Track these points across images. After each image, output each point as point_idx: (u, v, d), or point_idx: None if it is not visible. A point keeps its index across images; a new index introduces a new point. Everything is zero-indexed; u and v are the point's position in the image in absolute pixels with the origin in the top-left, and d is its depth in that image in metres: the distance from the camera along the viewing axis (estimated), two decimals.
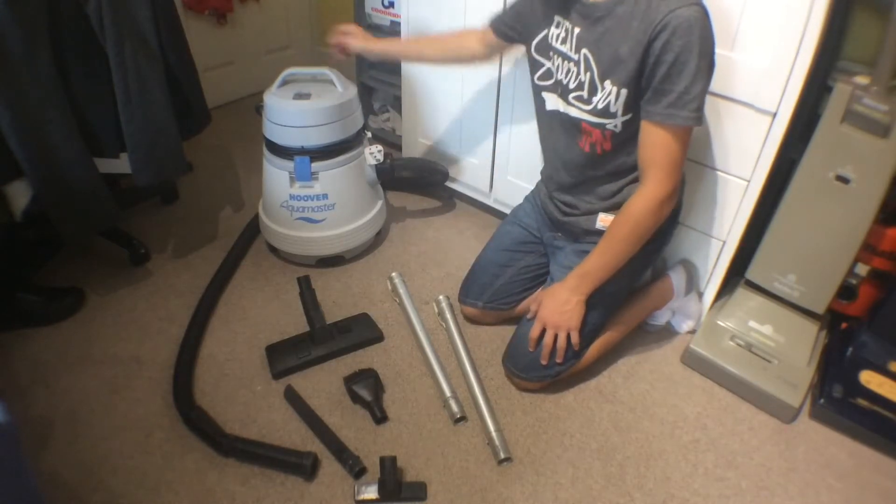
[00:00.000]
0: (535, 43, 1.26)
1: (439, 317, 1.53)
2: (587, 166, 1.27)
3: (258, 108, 1.56)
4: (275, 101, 1.49)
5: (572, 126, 1.24)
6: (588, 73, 1.15)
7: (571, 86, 1.19)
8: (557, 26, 1.20)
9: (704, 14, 1.03)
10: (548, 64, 1.25)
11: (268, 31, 2.56)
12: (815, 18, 1.11)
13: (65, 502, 1.09)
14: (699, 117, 1.08)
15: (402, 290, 1.57)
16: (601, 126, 1.18)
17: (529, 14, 1.27)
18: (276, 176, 1.56)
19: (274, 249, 1.71)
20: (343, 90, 1.53)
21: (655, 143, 1.11)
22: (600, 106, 1.15)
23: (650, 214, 1.16)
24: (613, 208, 1.28)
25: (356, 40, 1.54)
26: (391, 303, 1.58)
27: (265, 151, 1.58)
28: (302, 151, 1.50)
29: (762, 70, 1.20)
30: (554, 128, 1.32)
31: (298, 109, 1.47)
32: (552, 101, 1.28)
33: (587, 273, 1.24)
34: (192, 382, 1.32)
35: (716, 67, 1.08)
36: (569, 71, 1.19)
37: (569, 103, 1.21)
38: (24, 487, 0.81)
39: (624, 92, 1.12)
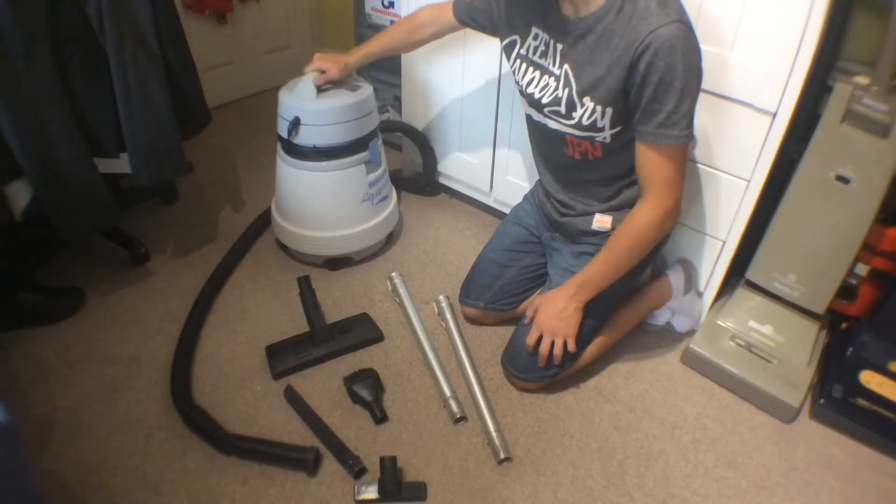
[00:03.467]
0: (504, 43, 1.27)
1: (439, 317, 1.53)
2: (579, 170, 1.27)
3: (293, 126, 1.48)
4: (351, 98, 1.49)
5: (554, 136, 1.24)
6: (566, 90, 1.15)
7: (545, 100, 1.19)
8: (536, 38, 1.20)
9: (687, 29, 1.01)
10: (515, 71, 1.26)
11: (268, 31, 2.56)
12: (814, 18, 1.11)
13: (65, 502, 1.09)
14: (689, 134, 1.08)
15: (402, 290, 1.57)
16: (590, 139, 1.18)
17: (497, 16, 1.27)
18: (352, 175, 1.57)
19: (284, 248, 1.71)
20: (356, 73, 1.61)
21: (651, 162, 1.12)
22: (585, 122, 1.15)
23: (653, 229, 1.17)
24: (610, 210, 1.29)
25: (333, 71, 1.49)
26: (391, 303, 1.58)
27: (329, 163, 1.52)
28: (374, 135, 1.58)
29: (762, 70, 1.20)
30: (534, 132, 1.33)
31: (371, 95, 1.54)
32: (525, 105, 1.29)
33: (587, 281, 1.24)
34: (190, 380, 1.32)
35: (704, 76, 1.07)
36: (546, 85, 1.19)
37: (545, 115, 1.21)
38: (23, 487, 0.81)
39: (609, 110, 1.12)
